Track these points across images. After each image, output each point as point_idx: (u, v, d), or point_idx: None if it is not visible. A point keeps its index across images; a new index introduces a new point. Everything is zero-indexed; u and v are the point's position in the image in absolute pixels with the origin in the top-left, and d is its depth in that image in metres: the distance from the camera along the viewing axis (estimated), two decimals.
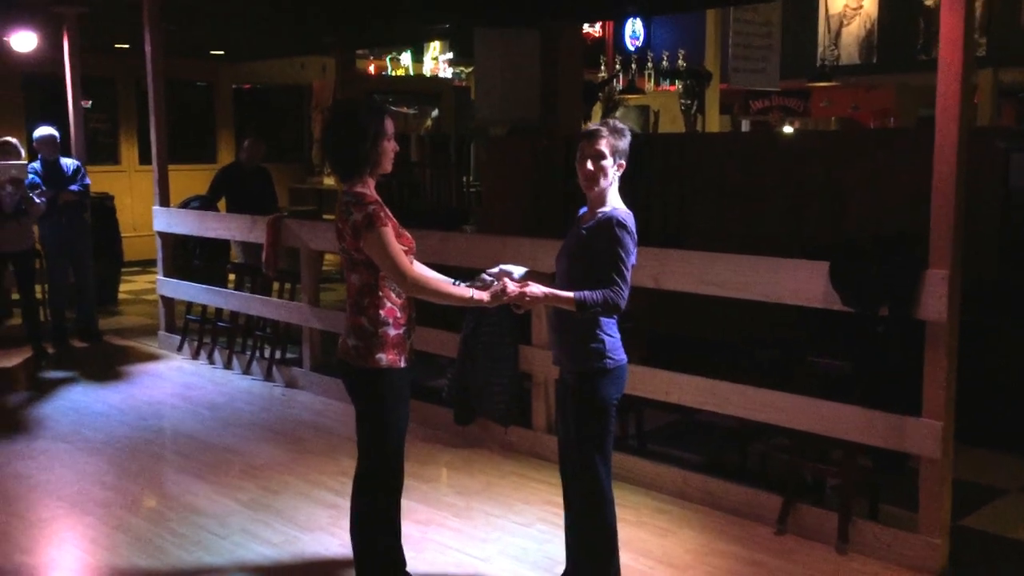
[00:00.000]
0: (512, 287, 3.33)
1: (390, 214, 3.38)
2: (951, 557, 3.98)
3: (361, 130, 3.34)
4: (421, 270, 3.50)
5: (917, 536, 3.99)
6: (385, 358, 3.39)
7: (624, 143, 3.39)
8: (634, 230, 3.35)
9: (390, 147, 3.41)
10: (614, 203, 3.41)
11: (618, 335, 3.46)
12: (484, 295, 3.35)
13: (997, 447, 5.24)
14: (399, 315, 3.42)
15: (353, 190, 3.38)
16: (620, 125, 3.42)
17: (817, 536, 4.23)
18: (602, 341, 3.39)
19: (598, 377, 3.40)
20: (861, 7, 13.92)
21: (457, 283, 3.44)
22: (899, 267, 3.95)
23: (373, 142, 3.35)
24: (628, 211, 3.41)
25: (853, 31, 14.01)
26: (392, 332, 3.40)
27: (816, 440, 4.33)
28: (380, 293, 3.39)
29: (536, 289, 3.35)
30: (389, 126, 3.40)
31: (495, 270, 3.43)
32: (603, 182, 3.38)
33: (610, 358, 3.40)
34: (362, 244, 3.31)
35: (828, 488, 4.57)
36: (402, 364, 3.44)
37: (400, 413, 3.48)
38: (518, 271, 3.43)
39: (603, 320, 3.39)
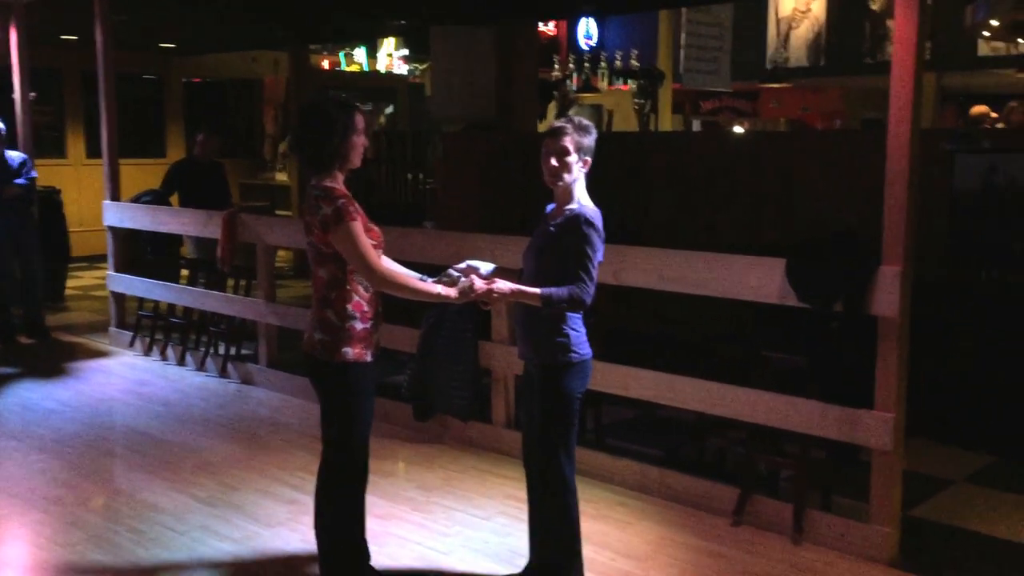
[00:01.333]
0: (480, 284, 3.36)
1: (359, 208, 3.39)
2: (902, 546, 4.08)
3: (330, 125, 3.35)
4: (389, 265, 3.51)
5: (869, 526, 4.09)
6: (351, 352, 3.39)
7: (589, 140, 3.43)
8: (601, 227, 3.40)
9: (359, 142, 3.43)
10: (582, 200, 3.45)
11: (584, 329, 3.51)
12: (451, 291, 3.38)
13: (945, 439, 5.39)
14: (366, 309, 3.43)
15: (322, 184, 3.39)
16: (586, 123, 3.46)
17: (773, 527, 4.32)
18: (567, 335, 3.44)
19: (563, 370, 3.44)
20: (809, 10, 14.16)
21: (425, 279, 3.46)
22: (853, 264, 4.05)
23: (343, 137, 3.37)
24: (596, 208, 3.45)
25: (802, 34, 14.24)
26: (359, 326, 3.41)
27: (771, 433, 4.42)
28: (348, 287, 3.39)
29: (503, 285, 3.38)
30: (359, 121, 3.42)
31: (462, 266, 3.45)
32: (567, 178, 3.42)
33: (575, 352, 3.45)
34: (331, 238, 3.31)
35: (783, 480, 4.67)
36: (368, 358, 3.45)
37: (366, 407, 3.49)
38: (485, 267, 3.45)
39: (569, 315, 3.44)
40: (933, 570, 3.98)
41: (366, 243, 3.33)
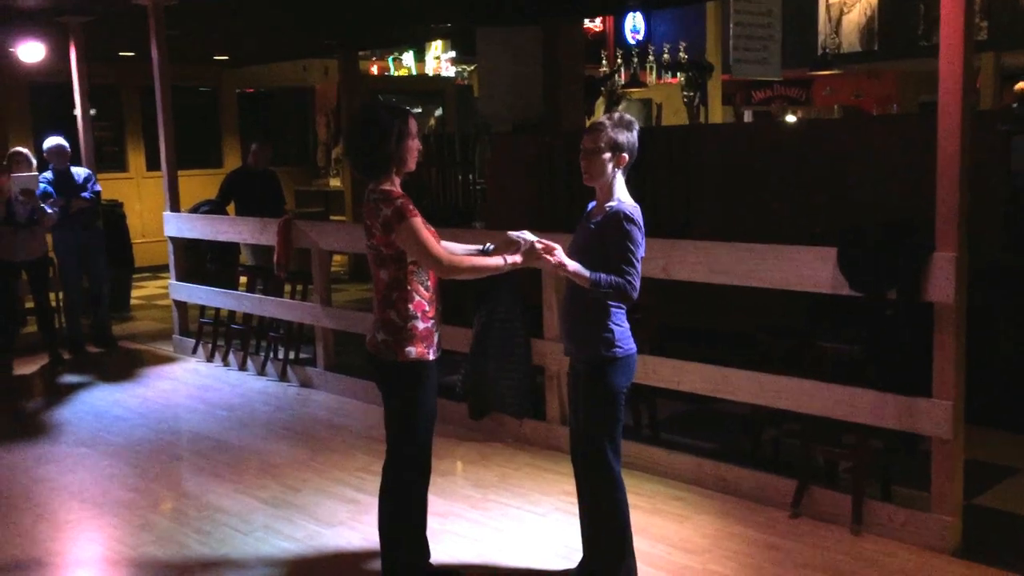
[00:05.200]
0: (540, 243, 3.39)
1: (416, 209, 3.46)
2: (965, 535, 4.03)
3: (386, 130, 3.43)
4: (451, 249, 3.59)
5: (930, 515, 4.03)
6: (414, 351, 3.47)
7: (625, 136, 3.44)
8: (641, 222, 3.42)
9: (414, 146, 3.51)
10: (620, 196, 3.47)
11: (627, 325, 3.53)
12: (516, 257, 3.41)
13: (1007, 427, 5.28)
14: (427, 308, 3.51)
15: (380, 188, 3.48)
16: (628, 118, 3.48)
17: (831, 518, 4.29)
18: (611, 331, 3.47)
19: (608, 366, 3.47)
20: None
21: (488, 247, 3.58)
22: (906, 251, 4.00)
23: (398, 142, 3.45)
24: (635, 204, 3.48)
25: (854, 19, 14.01)
26: (421, 325, 3.49)
27: (828, 424, 4.38)
28: (409, 287, 3.47)
29: (562, 255, 3.39)
30: (412, 125, 3.50)
31: (515, 234, 3.48)
32: (602, 176, 3.46)
33: (619, 347, 3.48)
34: (394, 237, 3.40)
35: (841, 471, 4.62)
36: (430, 356, 3.53)
37: (429, 404, 3.57)
38: (529, 237, 3.48)
39: (612, 310, 3.47)
40: (997, 559, 3.91)
41: (428, 236, 3.41)
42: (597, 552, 3.65)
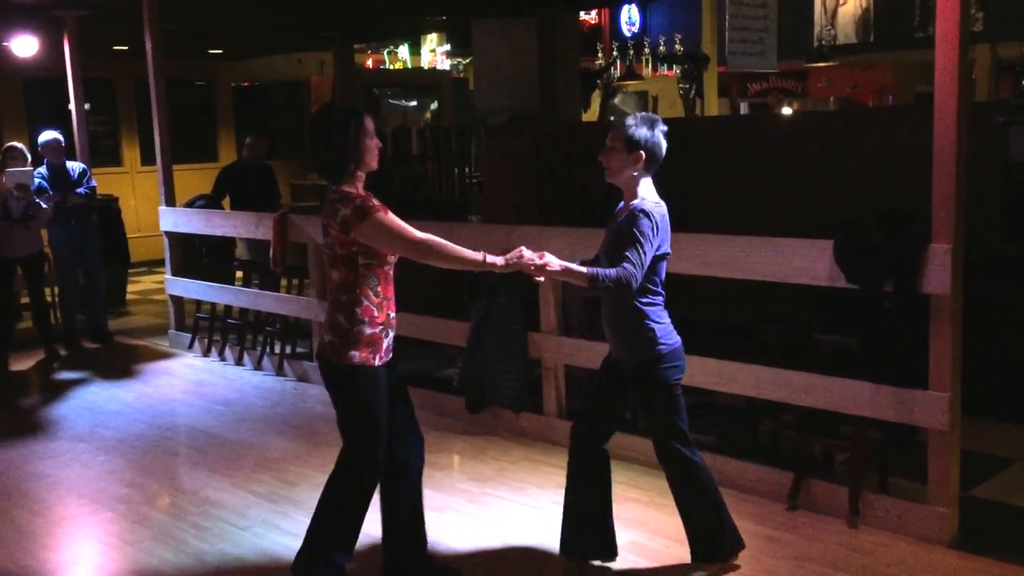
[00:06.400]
0: (529, 255, 3.42)
1: (379, 204, 3.40)
2: (961, 527, 4.03)
3: (342, 131, 3.39)
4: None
5: (927, 507, 4.04)
6: (358, 356, 3.43)
7: (643, 133, 3.48)
8: (659, 219, 3.48)
9: (373, 144, 3.47)
10: (643, 194, 3.55)
11: (667, 320, 3.62)
12: (498, 259, 3.41)
13: (1006, 418, 5.29)
14: (376, 314, 3.46)
15: (340, 188, 3.44)
16: (653, 116, 3.55)
17: (828, 510, 4.29)
18: (652, 329, 3.56)
19: (657, 363, 3.57)
20: None
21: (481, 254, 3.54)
22: (902, 243, 3.99)
23: (355, 142, 3.40)
24: (658, 201, 3.53)
25: (849, 10, 13.98)
26: (367, 331, 3.43)
27: (825, 416, 4.39)
28: (357, 290, 3.43)
29: (554, 262, 3.44)
30: (369, 124, 3.45)
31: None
32: (620, 173, 3.53)
33: (663, 343, 3.57)
34: (356, 235, 3.35)
35: (838, 463, 4.63)
36: (375, 362, 3.47)
37: (374, 409, 3.48)
38: (527, 251, 3.51)
39: (648, 309, 3.54)
40: (994, 551, 3.91)
41: (398, 223, 3.37)
42: (698, 535, 3.74)
